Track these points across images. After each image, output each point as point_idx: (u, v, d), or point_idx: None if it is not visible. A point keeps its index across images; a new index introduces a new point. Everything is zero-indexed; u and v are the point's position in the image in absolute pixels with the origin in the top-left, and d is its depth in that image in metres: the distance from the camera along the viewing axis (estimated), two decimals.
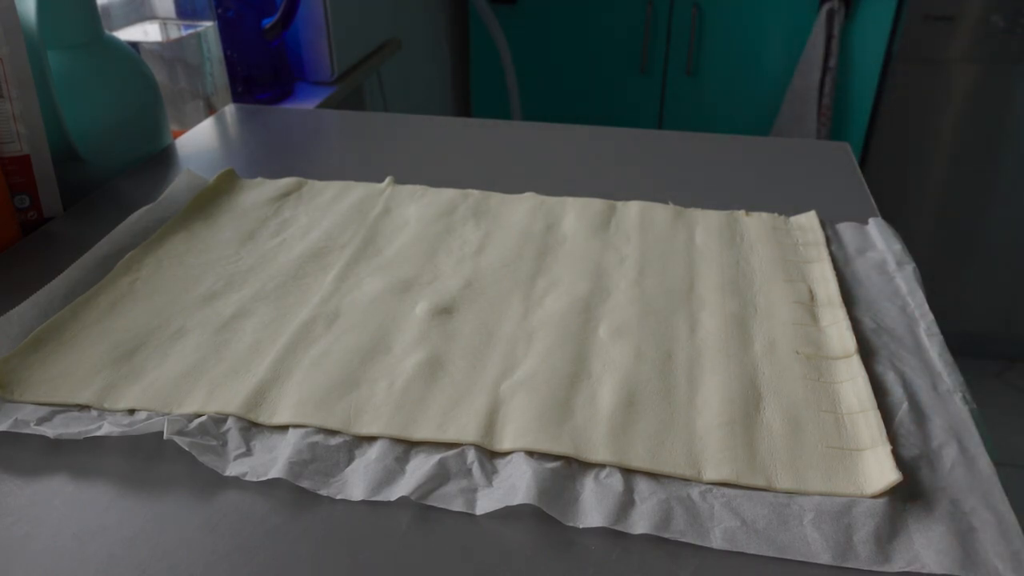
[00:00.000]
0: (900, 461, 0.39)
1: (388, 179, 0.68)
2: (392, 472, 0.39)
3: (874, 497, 0.37)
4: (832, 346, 0.47)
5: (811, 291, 0.53)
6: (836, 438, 0.41)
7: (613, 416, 0.42)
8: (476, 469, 0.39)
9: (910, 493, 0.37)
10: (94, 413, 0.42)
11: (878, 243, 0.59)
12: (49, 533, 0.36)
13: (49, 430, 0.40)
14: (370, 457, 0.39)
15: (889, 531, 0.36)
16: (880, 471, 0.38)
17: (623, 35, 1.77)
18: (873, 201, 0.67)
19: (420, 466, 0.39)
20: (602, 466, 0.39)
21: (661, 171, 0.73)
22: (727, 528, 0.36)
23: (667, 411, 0.42)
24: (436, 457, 0.39)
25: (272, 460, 0.39)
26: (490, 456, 0.40)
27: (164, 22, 0.90)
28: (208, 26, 0.86)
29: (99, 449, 0.40)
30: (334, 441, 0.40)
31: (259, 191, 0.67)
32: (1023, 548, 0.35)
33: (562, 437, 0.40)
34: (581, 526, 0.36)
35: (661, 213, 0.63)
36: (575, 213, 0.63)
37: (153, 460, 0.40)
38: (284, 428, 0.41)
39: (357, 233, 0.60)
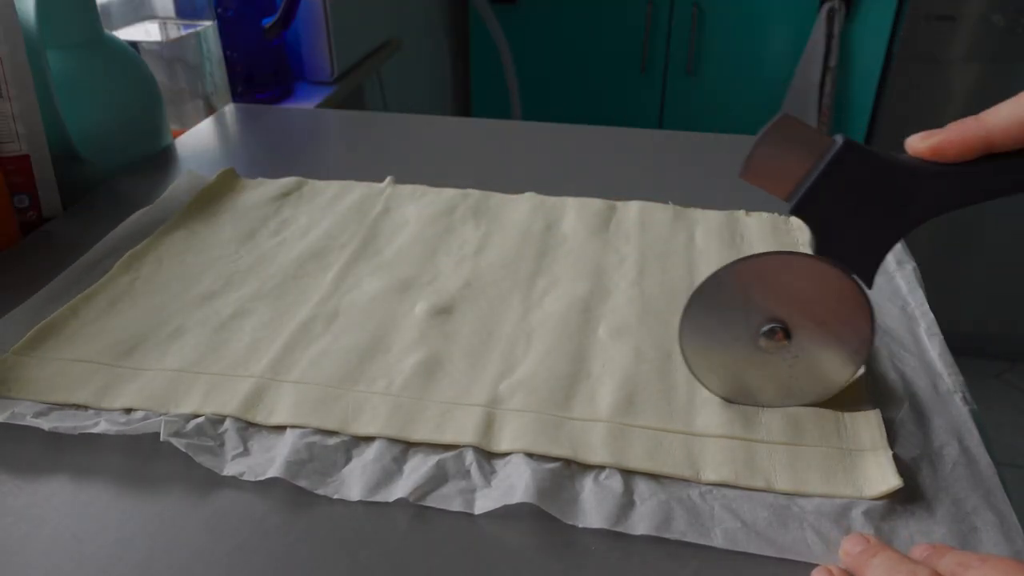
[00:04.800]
0: (901, 461, 0.39)
1: (388, 179, 0.68)
2: (390, 472, 0.39)
3: (874, 499, 0.37)
4: None
5: None
6: (836, 439, 0.41)
7: (612, 417, 0.41)
8: (474, 470, 0.39)
9: (911, 494, 0.37)
10: (91, 411, 0.42)
11: None
12: (49, 533, 0.36)
13: (45, 423, 0.41)
14: (367, 457, 0.39)
15: (890, 532, 0.36)
16: (881, 475, 0.38)
17: (623, 35, 1.77)
18: None
19: (418, 467, 0.39)
20: (601, 467, 0.39)
21: (661, 171, 0.73)
22: (728, 529, 0.36)
23: (666, 411, 0.42)
24: (434, 458, 0.39)
25: (270, 460, 0.39)
26: (488, 457, 0.40)
27: (164, 22, 0.90)
28: (208, 26, 0.86)
29: (98, 448, 0.40)
30: (332, 441, 0.40)
31: (259, 191, 0.67)
32: None
33: (560, 439, 0.40)
34: (581, 525, 0.36)
35: (661, 213, 0.63)
36: (575, 213, 0.63)
37: (152, 458, 0.40)
38: (282, 428, 0.41)
39: (357, 233, 0.60)
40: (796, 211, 0.38)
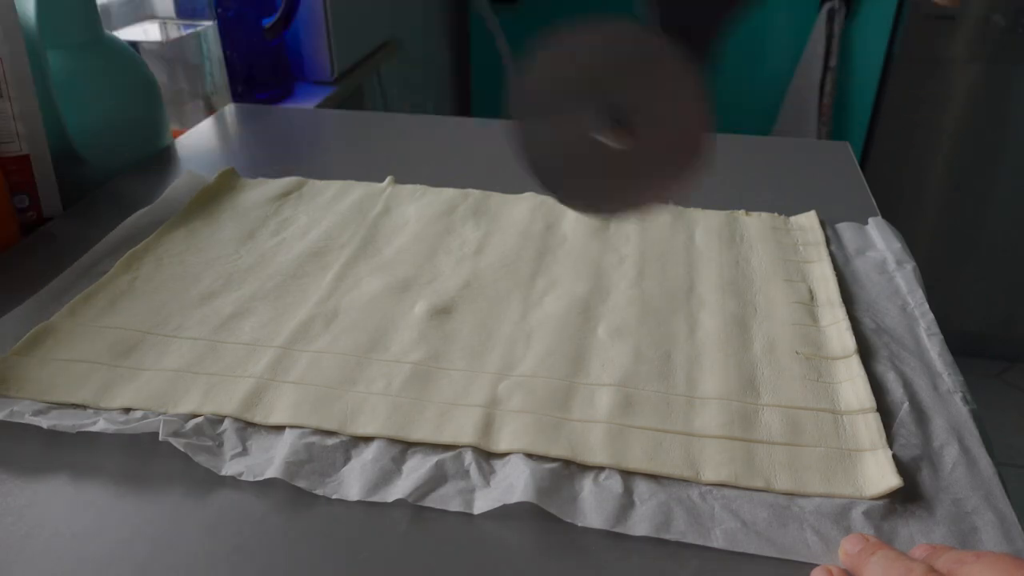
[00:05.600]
0: (901, 462, 0.39)
1: (388, 179, 0.68)
2: (389, 473, 0.38)
3: (874, 499, 0.37)
4: (832, 346, 0.47)
5: (811, 291, 0.53)
6: (835, 439, 0.40)
7: (611, 417, 0.41)
8: (473, 470, 0.39)
9: (911, 494, 0.37)
10: (90, 411, 0.42)
11: (878, 243, 0.59)
12: (49, 533, 0.36)
13: (43, 421, 0.41)
14: (366, 458, 0.39)
15: (890, 532, 0.36)
16: (880, 474, 0.38)
17: None
18: (873, 201, 0.67)
19: (417, 467, 0.39)
20: (601, 468, 0.39)
21: None
22: (727, 529, 0.36)
23: (665, 412, 0.42)
24: (433, 459, 0.39)
25: (268, 460, 0.39)
26: (487, 457, 0.40)
27: (164, 22, 0.90)
28: (208, 26, 0.86)
29: (97, 448, 0.40)
30: (331, 441, 0.40)
31: (259, 190, 0.67)
32: None
33: (560, 439, 0.40)
34: (580, 524, 0.36)
35: (661, 213, 0.63)
36: (575, 213, 0.63)
37: (151, 457, 0.40)
38: (280, 428, 0.41)
39: (356, 233, 0.60)
40: None
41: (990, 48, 1.63)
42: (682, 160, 0.37)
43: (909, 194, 1.76)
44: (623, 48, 0.35)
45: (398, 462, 0.39)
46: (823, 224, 0.61)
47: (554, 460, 0.39)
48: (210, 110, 0.88)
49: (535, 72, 0.36)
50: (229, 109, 0.88)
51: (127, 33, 0.84)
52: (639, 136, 0.36)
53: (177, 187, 0.66)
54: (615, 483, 0.38)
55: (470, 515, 0.37)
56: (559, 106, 0.36)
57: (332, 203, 0.65)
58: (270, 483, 0.38)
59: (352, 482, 0.38)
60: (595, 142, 0.36)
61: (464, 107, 2.00)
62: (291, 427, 0.41)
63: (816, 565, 0.34)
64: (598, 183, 0.38)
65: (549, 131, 0.37)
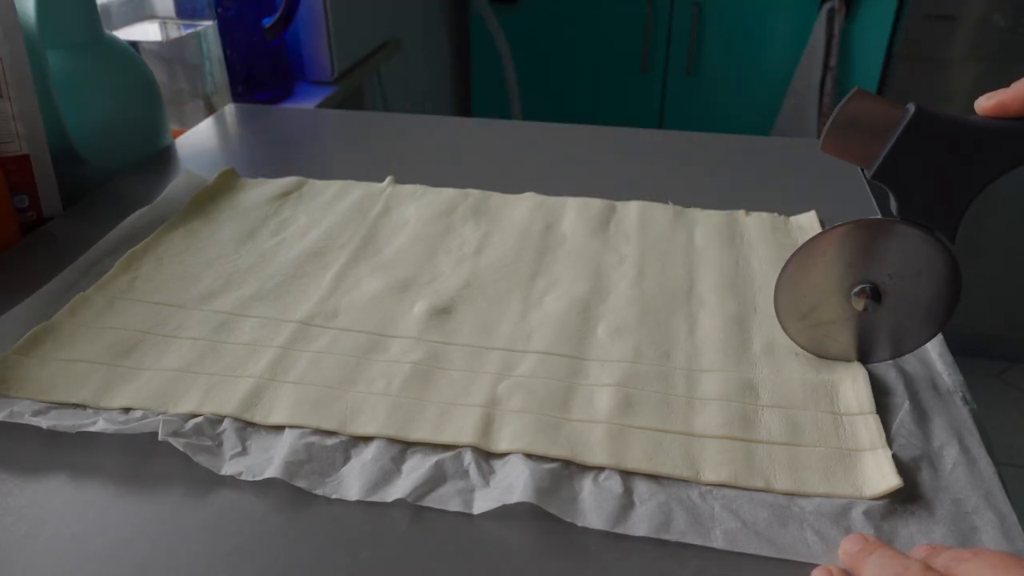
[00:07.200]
0: (901, 462, 0.39)
1: (388, 179, 0.68)
2: (388, 472, 0.38)
3: (874, 499, 0.37)
4: None
5: None
6: (835, 439, 0.40)
7: (611, 417, 0.41)
8: (473, 470, 0.39)
9: (911, 494, 0.37)
10: (89, 411, 0.42)
11: None
12: (49, 533, 0.36)
13: (43, 421, 0.41)
14: (366, 457, 0.39)
15: (890, 532, 0.36)
16: (880, 475, 0.38)
17: (623, 35, 1.77)
18: (873, 201, 0.67)
19: (417, 467, 0.39)
20: (601, 468, 0.39)
21: (661, 171, 0.73)
22: (727, 529, 0.36)
23: (665, 412, 0.42)
24: (433, 459, 0.39)
25: (268, 460, 0.39)
26: (487, 457, 0.40)
27: (164, 22, 0.90)
28: (208, 26, 0.86)
29: (97, 447, 0.40)
30: (330, 441, 0.40)
31: (259, 190, 0.67)
32: None
33: (559, 439, 0.40)
34: (580, 524, 0.36)
35: (661, 213, 0.63)
36: (575, 213, 0.63)
37: (151, 457, 0.40)
38: (280, 428, 0.41)
39: (356, 232, 0.60)
40: (876, 177, 0.40)
41: (990, 48, 1.63)
42: (931, 323, 0.44)
43: None
44: (887, 237, 0.42)
45: (398, 462, 0.39)
46: (823, 224, 0.61)
47: (554, 460, 0.39)
48: (210, 110, 0.88)
49: (813, 249, 0.43)
50: (229, 109, 0.88)
51: (127, 33, 0.83)
52: (889, 307, 0.43)
53: (176, 187, 0.66)
54: (615, 483, 0.38)
55: (470, 515, 0.37)
56: (824, 268, 0.44)
57: (332, 203, 0.65)
58: (270, 483, 0.38)
59: (352, 482, 0.38)
60: (848, 307, 0.44)
61: (464, 107, 2.00)
62: (291, 427, 0.41)
63: (816, 565, 0.34)
64: (829, 335, 0.45)
65: (810, 282, 0.44)
